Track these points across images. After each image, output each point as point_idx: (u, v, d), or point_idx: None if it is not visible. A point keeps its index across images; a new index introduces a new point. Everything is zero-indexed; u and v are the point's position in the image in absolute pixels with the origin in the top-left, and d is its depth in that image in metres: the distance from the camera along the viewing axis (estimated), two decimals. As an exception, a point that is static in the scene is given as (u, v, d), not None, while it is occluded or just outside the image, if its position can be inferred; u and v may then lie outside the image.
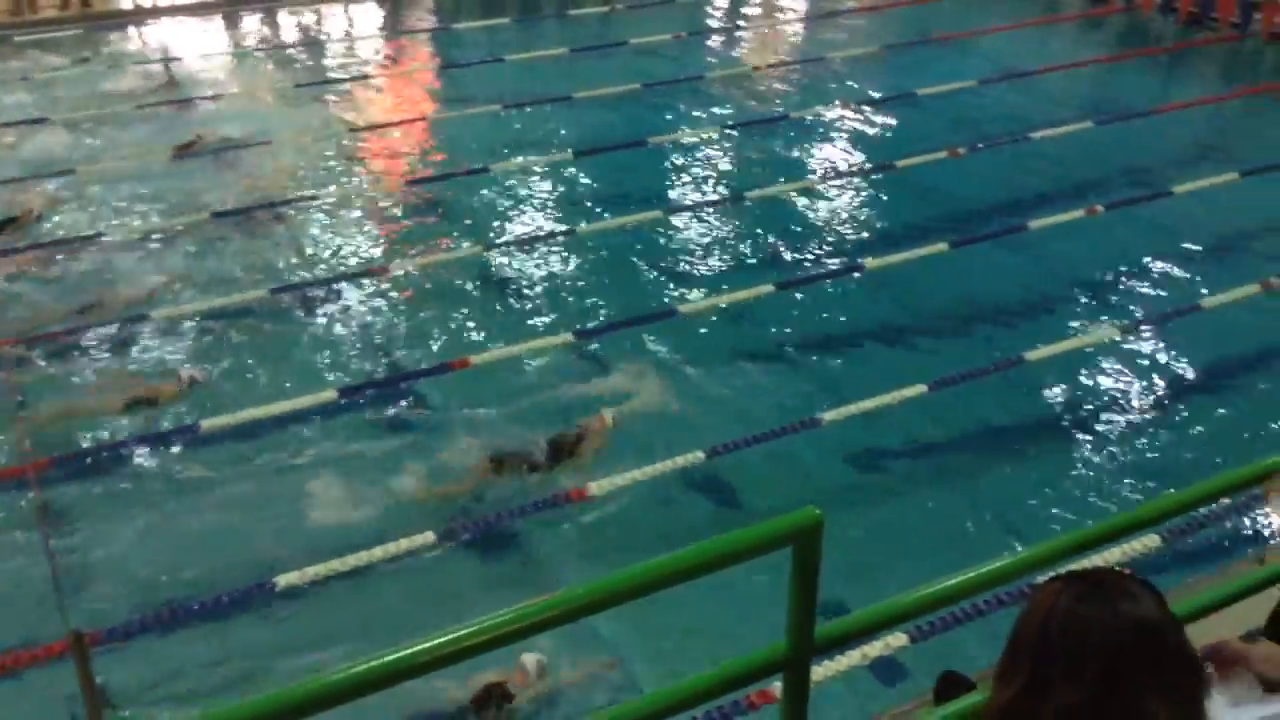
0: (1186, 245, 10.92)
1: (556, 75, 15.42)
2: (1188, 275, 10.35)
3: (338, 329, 9.56)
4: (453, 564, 6.91)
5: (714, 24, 19.12)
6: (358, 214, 11.74)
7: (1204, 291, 9.82)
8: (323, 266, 10.53)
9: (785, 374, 9.02)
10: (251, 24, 18.63)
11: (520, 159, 12.89)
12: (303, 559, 6.63)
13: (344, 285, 10.20)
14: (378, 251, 10.93)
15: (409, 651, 2.15)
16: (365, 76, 16.04)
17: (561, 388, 8.62)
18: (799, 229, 11.46)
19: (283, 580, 6.46)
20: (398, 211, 11.92)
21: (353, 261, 10.67)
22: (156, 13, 18.79)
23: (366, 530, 6.98)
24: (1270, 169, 12.19)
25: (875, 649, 5.69)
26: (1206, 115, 14.37)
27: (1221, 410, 8.46)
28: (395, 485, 7.48)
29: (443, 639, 2.15)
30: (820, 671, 5.44)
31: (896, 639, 5.74)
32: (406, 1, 19.77)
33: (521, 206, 11.90)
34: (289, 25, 18.73)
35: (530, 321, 9.63)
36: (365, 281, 10.27)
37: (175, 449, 7.93)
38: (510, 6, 19.54)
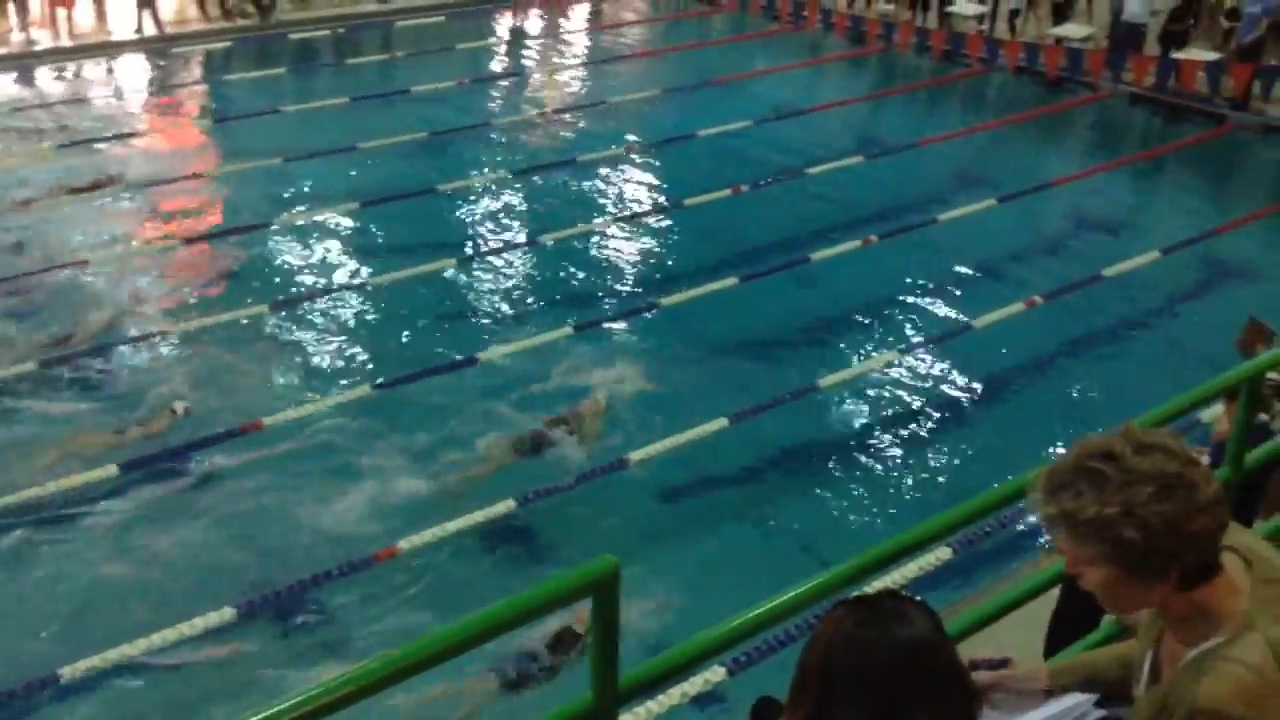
0: (956, 269, 11.58)
1: (338, 125, 15.11)
2: (959, 298, 10.97)
3: (118, 393, 9.00)
4: (250, 642, 6.58)
5: (496, 70, 19.19)
6: (135, 274, 11.10)
7: (975, 312, 10.42)
8: (97, 329, 9.88)
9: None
10: (5, 83, 17.41)
11: (305, 212, 12.55)
12: None
13: (122, 348, 9.64)
14: (155, 310, 10.35)
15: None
16: (134, 134, 15.27)
17: (358, 445, 8.37)
18: (594, 270, 11.57)
19: None
20: (177, 270, 11.35)
21: (130, 324, 10.07)
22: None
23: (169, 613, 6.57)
24: (1023, 194, 13.14)
25: (695, 685, 5.72)
26: (964, 145, 15.36)
27: (997, 422, 8.98)
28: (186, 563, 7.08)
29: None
30: (643, 713, 5.46)
31: (715, 673, 5.79)
32: (176, 55, 18.95)
33: (309, 260, 11.55)
34: (53, 81, 17.69)
35: (323, 379, 9.33)
36: (144, 344, 9.72)
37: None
38: (285, 57, 19.04)
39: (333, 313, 10.48)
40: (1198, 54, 16.74)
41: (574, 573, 2.35)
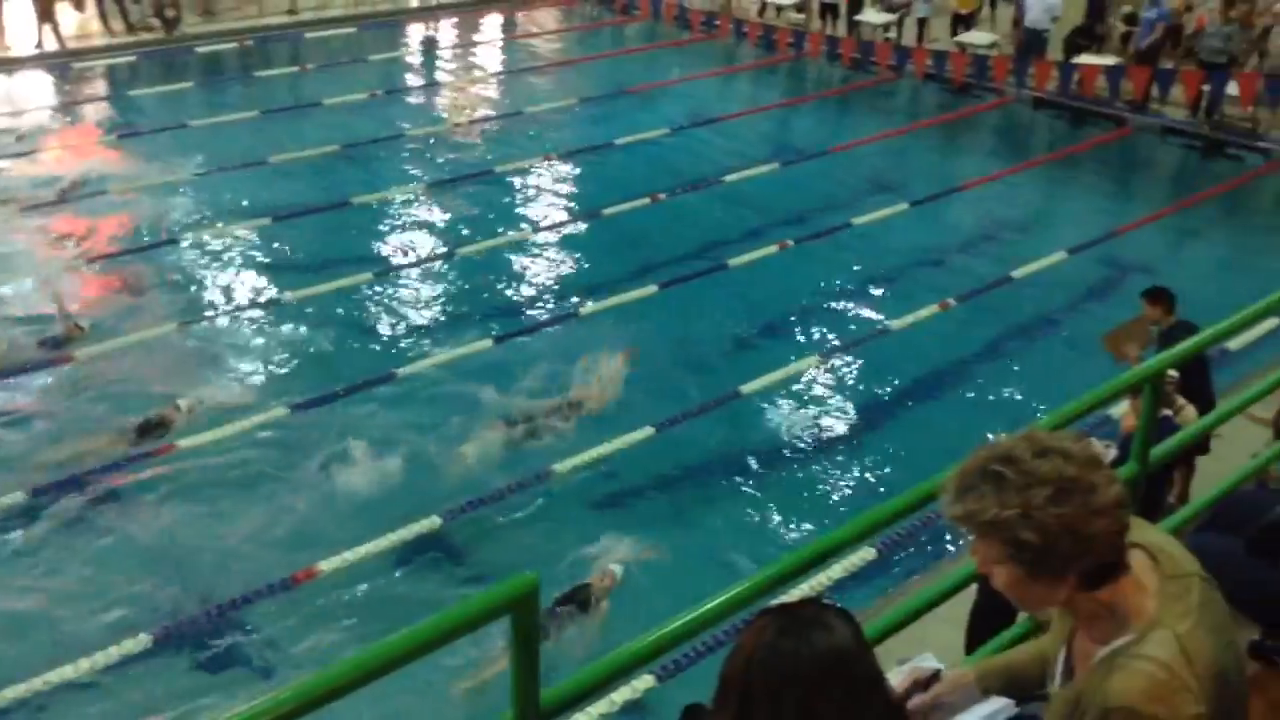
0: (872, 273, 11.77)
1: (248, 139, 14.84)
2: (876, 300, 11.15)
3: (25, 420, 8.74)
4: (168, 670, 6.42)
5: (410, 81, 19.02)
6: (41, 294, 10.76)
7: (891, 315, 10.60)
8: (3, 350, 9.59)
9: (518, 429, 8.94)
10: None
11: (216, 227, 12.30)
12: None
13: (32, 372, 9.34)
14: (61, 332, 10.04)
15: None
16: (36, 151, 14.81)
17: (274, 466, 8.23)
18: (513, 281, 11.52)
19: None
20: (83, 291, 11.03)
21: (36, 345, 9.75)
22: None
23: (81, 642, 6.37)
24: (934, 198, 13.40)
25: (622, 694, 5.72)
26: (875, 151, 15.61)
27: (917, 423, 9.13)
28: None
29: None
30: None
31: (644, 681, 5.79)
32: (78, 71, 18.44)
33: (220, 277, 11.30)
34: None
35: (237, 398, 9.14)
36: (53, 366, 9.43)
37: None
38: (191, 71, 18.63)
39: (245, 331, 10.29)
40: (1098, 59, 17.23)
41: (493, 590, 2.33)
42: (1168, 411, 6.76)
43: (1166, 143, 16.26)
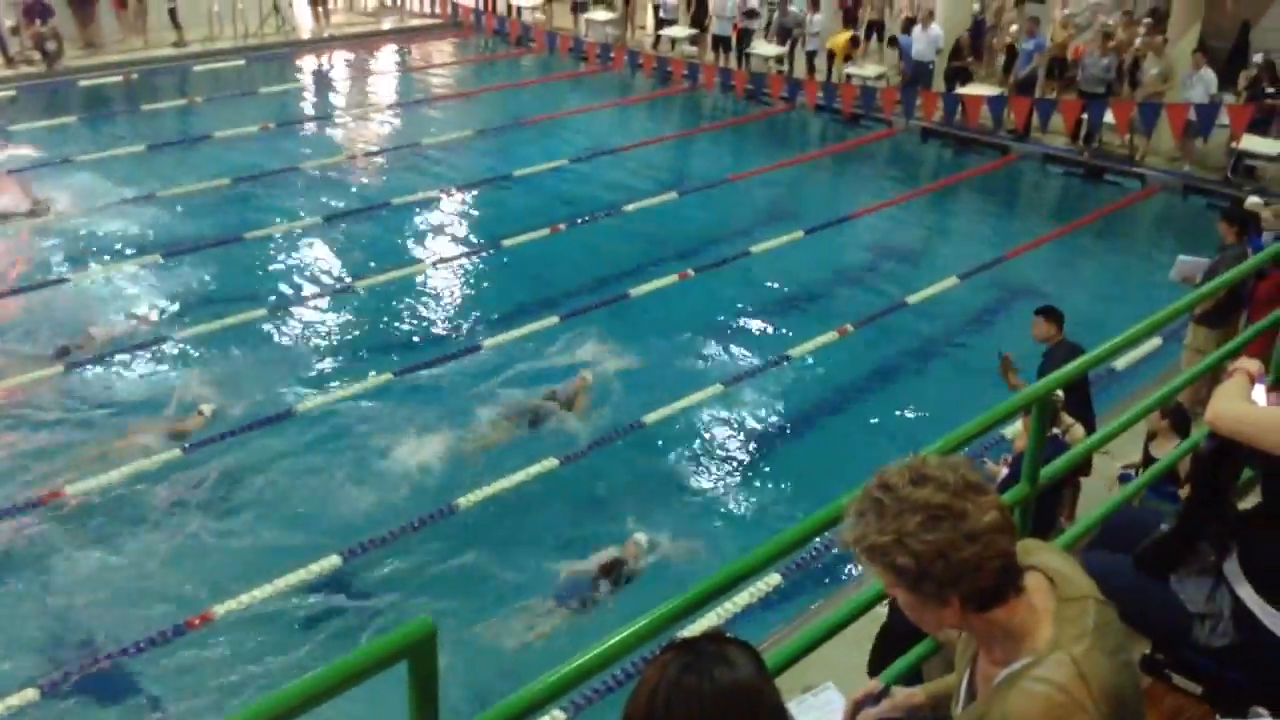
0: (771, 300, 11.94)
1: (136, 173, 14.47)
2: (775, 328, 11.30)
3: None
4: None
5: (303, 113, 18.77)
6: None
7: (791, 342, 10.75)
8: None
9: (416, 464, 8.83)
10: None
11: (104, 264, 11.93)
12: None
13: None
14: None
15: None
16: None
17: (168, 507, 7.99)
18: (412, 315, 11.39)
19: None
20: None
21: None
22: None
23: None
24: (828, 225, 13.68)
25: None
26: (770, 180, 15.89)
27: (818, 449, 9.25)
28: None
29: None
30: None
31: (555, 717, 5.75)
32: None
33: (108, 316, 10.94)
34: None
35: (128, 441, 8.84)
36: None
37: None
38: (74, 105, 18.11)
39: (135, 371, 9.98)
40: (980, 89, 17.82)
41: (389, 637, 2.29)
42: (1056, 430, 7.00)
43: (1049, 170, 16.87)
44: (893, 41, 20.12)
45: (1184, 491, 6.00)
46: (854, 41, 19.70)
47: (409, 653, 2.29)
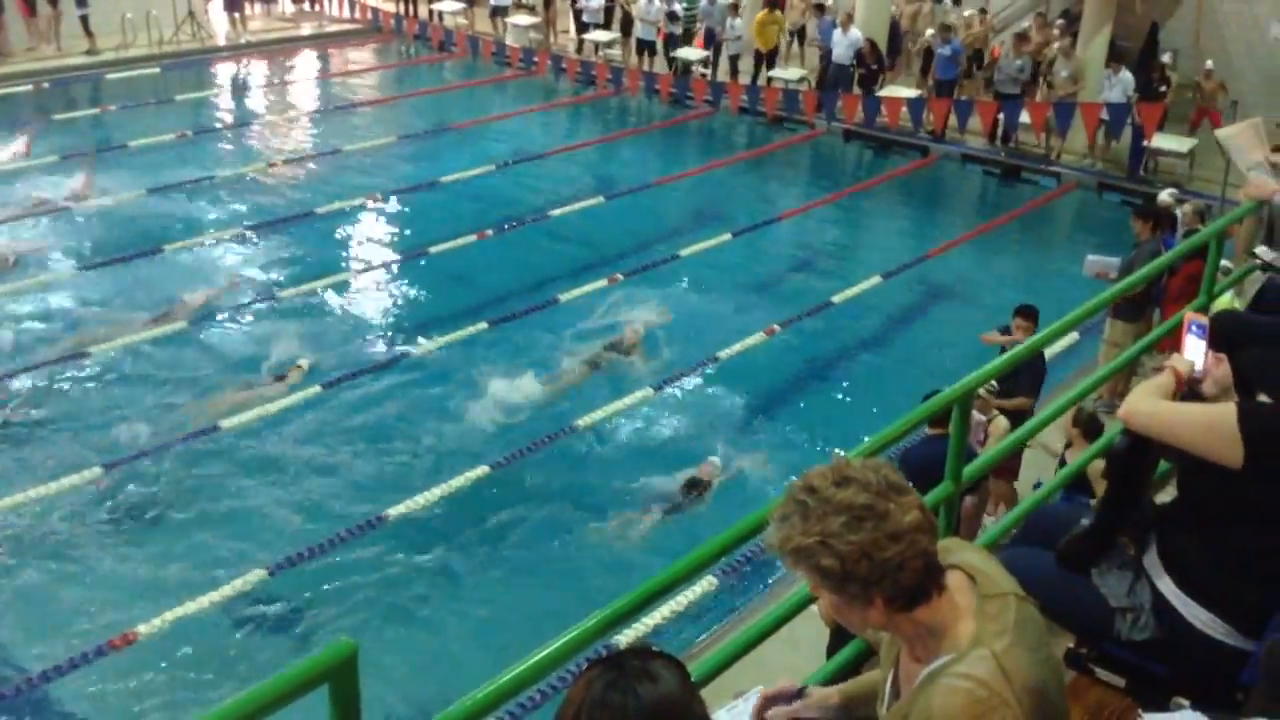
0: (700, 302, 11.98)
1: (49, 184, 14.08)
2: (703, 330, 11.33)
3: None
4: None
5: (222, 121, 18.39)
6: None
7: (720, 344, 10.80)
8: None
9: (345, 475, 8.72)
10: None
11: (16, 278, 11.59)
12: None
13: None
14: None
15: None
16: None
17: (90, 533, 7.80)
18: (339, 324, 11.23)
19: None
20: None
21: None
22: None
23: None
24: (754, 227, 13.78)
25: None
26: (697, 183, 15.98)
27: (748, 449, 9.29)
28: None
29: None
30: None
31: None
32: None
33: (21, 333, 10.61)
34: None
35: (46, 461, 8.61)
36: None
37: None
38: (-17, 113, 17.59)
39: (55, 387, 9.71)
40: (899, 91, 18.09)
41: (309, 661, 2.25)
42: (981, 417, 7.15)
43: (968, 169, 17.17)
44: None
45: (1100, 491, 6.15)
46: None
47: (330, 675, 2.26)
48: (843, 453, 2.30)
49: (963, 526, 6.03)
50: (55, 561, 7.48)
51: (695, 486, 8.54)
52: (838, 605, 2.12)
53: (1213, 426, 3.03)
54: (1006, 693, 1.98)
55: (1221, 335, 4.34)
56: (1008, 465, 7.16)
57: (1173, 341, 3.48)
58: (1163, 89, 16.17)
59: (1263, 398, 3.17)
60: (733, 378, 10.32)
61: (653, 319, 11.08)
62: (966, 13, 19.34)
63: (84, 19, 19.81)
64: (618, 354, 10.54)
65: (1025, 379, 7.63)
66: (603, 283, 11.93)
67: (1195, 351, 3.35)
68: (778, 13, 20.11)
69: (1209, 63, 16.59)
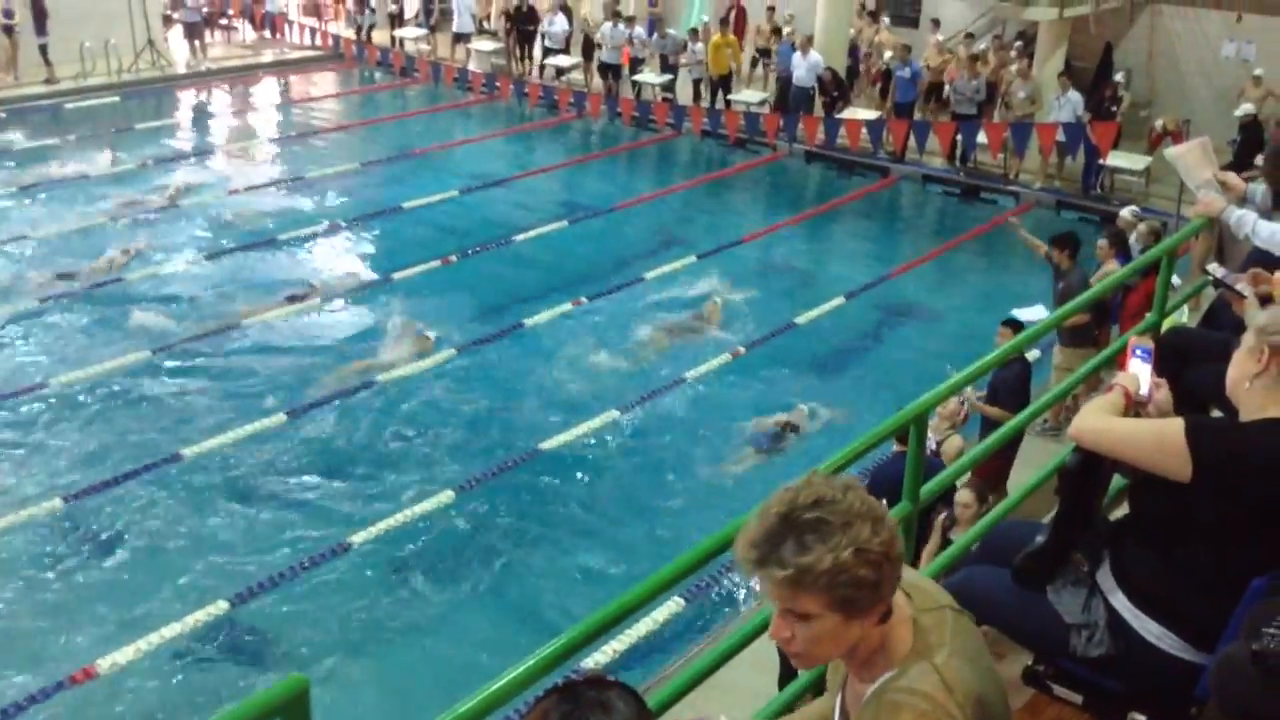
0: (666, 324, 11.99)
1: (6, 214, 13.95)
2: (669, 352, 11.37)
3: None
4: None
5: (183, 148, 18.23)
6: None
7: (685, 366, 10.85)
8: None
9: (297, 503, 8.65)
10: None
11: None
12: None
13: None
14: None
15: None
16: None
17: (46, 563, 7.70)
18: (301, 353, 11.14)
19: None
20: None
21: None
22: None
23: None
24: (718, 250, 13.85)
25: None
26: (660, 206, 16.05)
27: (711, 469, 9.33)
28: None
29: None
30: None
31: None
32: None
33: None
34: None
35: (6, 491, 8.52)
36: None
37: None
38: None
39: (18, 418, 9.59)
40: (859, 113, 18.27)
41: (261, 695, 2.24)
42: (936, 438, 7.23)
43: (928, 190, 17.35)
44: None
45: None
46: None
47: (282, 710, 2.24)
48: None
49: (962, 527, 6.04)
50: (13, 594, 7.39)
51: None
52: (836, 627, 1.97)
53: (1161, 441, 3.08)
54: (950, 705, 1.97)
55: (1174, 351, 4.43)
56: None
57: (1122, 362, 3.52)
58: (1113, 109, 16.46)
59: (1215, 412, 3.21)
60: (698, 399, 10.35)
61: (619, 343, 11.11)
62: (930, 38, 19.52)
63: (43, 48, 19.66)
64: (583, 383, 10.57)
65: (1005, 398, 7.72)
66: (567, 306, 11.95)
67: (1140, 376, 3.39)
68: (732, 36, 20.27)
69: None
